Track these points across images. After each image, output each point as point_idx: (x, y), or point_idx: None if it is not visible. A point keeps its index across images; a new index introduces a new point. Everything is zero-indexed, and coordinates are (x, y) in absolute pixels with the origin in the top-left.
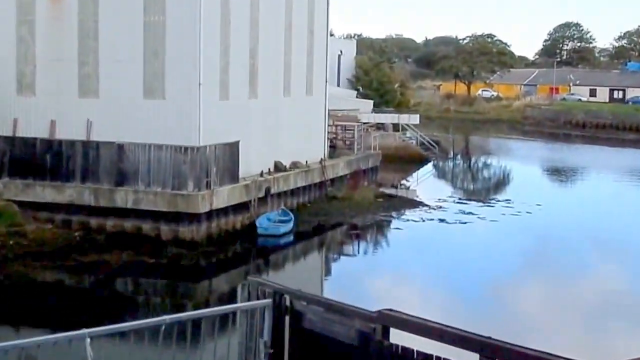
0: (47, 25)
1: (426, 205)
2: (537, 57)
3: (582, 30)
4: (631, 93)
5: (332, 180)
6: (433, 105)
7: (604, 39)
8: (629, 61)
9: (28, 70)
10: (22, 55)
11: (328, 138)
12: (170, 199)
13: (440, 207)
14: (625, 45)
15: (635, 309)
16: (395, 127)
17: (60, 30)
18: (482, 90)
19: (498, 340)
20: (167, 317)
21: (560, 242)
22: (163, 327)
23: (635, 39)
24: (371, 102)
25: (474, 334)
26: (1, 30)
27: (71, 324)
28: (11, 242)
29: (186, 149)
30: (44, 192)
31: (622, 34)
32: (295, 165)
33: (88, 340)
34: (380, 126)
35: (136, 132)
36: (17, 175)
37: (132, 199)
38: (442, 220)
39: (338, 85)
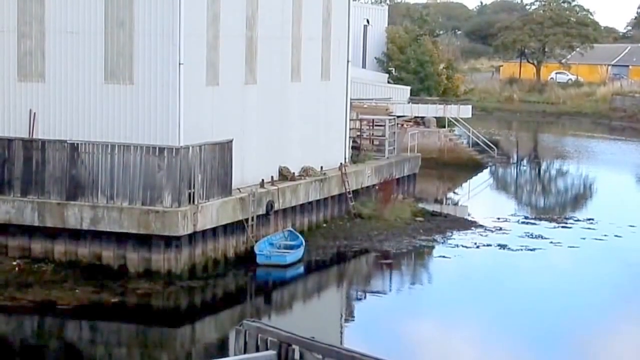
0: None
1: (481, 227)
2: (629, 28)
3: None
4: None
5: (356, 193)
6: (491, 93)
7: None
8: None
9: None
10: None
11: (350, 137)
12: (141, 217)
13: (501, 228)
14: None
15: None
16: (440, 122)
17: None
18: (557, 73)
19: None
20: None
21: None
22: None
23: None
24: (408, 88)
25: None
26: None
27: None
28: None
29: (162, 150)
30: None
31: None
32: (306, 172)
33: None
34: (419, 121)
35: (95, 127)
36: None
37: (89, 217)
38: (503, 247)
39: (364, 66)
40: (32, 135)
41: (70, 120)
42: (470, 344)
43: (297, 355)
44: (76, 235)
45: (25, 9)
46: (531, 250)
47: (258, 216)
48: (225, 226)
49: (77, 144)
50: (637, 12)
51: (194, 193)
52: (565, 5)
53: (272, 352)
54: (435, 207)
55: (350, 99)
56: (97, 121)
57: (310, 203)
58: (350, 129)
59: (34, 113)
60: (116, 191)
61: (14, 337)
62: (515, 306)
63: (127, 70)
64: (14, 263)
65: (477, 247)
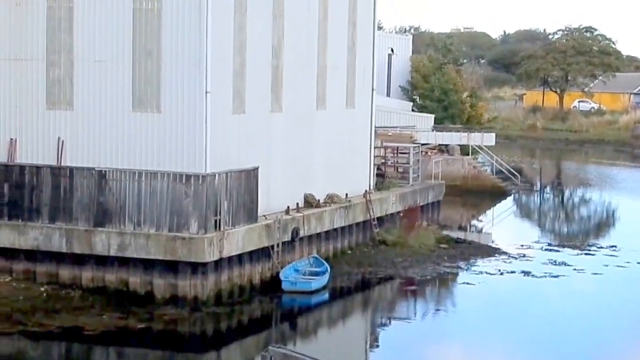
0: (5, 14)
1: (505, 253)
2: None
3: None
4: None
5: (380, 220)
6: (514, 121)
7: None
8: None
9: None
10: None
11: (375, 164)
12: (167, 243)
13: (524, 255)
14: None
15: None
16: (464, 149)
17: (22, 20)
18: (579, 102)
19: None
20: None
21: None
22: None
23: None
24: (432, 116)
25: None
26: None
27: None
28: None
29: (189, 177)
30: (0, 234)
31: None
32: (331, 199)
33: None
34: (443, 148)
35: (122, 155)
36: None
37: (116, 243)
38: (527, 274)
39: (388, 94)
40: (61, 163)
41: (98, 148)
42: None
43: None
44: (103, 261)
45: (54, 38)
46: (555, 277)
47: (283, 243)
48: (250, 253)
49: (105, 171)
50: None
51: (220, 220)
52: (588, 34)
53: None
54: (459, 234)
55: (375, 127)
56: (124, 149)
57: (335, 230)
58: (374, 157)
59: (63, 141)
60: (143, 218)
61: None
62: (539, 332)
63: (155, 98)
64: (42, 289)
65: (501, 274)
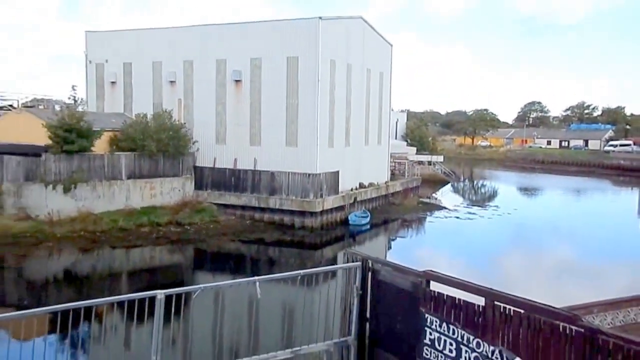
0: (232, 105)
1: (447, 209)
2: (514, 122)
3: (542, 105)
4: (572, 142)
5: (392, 194)
6: (451, 151)
7: (556, 110)
8: (572, 123)
9: (222, 130)
10: (219, 121)
11: (390, 169)
12: (300, 203)
13: (456, 209)
14: (569, 114)
15: (581, 269)
16: (429, 163)
17: (239, 108)
18: (481, 142)
19: (497, 290)
20: (301, 272)
21: (531, 229)
22: (299, 278)
23: (576, 110)
24: (415, 148)
25: (482, 285)
26: (207, 108)
27: (246, 274)
28: (211, 227)
29: (309, 175)
30: (230, 198)
31: (568, 107)
32: (371, 184)
33: (257, 283)
34: (420, 162)
35: (282, 165)
36: (215, 189)
37: (278, 203)
38: (457, 217)
39: (396, 138)
40: (256, 169)
41: (272, 162)
42: (445, 255)
43: (370, 264)
44: (273, 210)
45: (253, 116)
46: (470, 219)
47: (350, 203)
48: (336, 207)
49: (274, 172)
50: (517, 114)
51: (322, 193)
52: (485, 112)
53: (358, 263)
54: (427, 200)
55: (390, 153)
56: (282, 162)
57: (372, 198)
58: (390, 166)
59: (256, 159)
60: (290, 191)
61: (247, 253)
62: (464, 242)
63: (294, 140)
64: (247, 222)
65: (446, 217)
